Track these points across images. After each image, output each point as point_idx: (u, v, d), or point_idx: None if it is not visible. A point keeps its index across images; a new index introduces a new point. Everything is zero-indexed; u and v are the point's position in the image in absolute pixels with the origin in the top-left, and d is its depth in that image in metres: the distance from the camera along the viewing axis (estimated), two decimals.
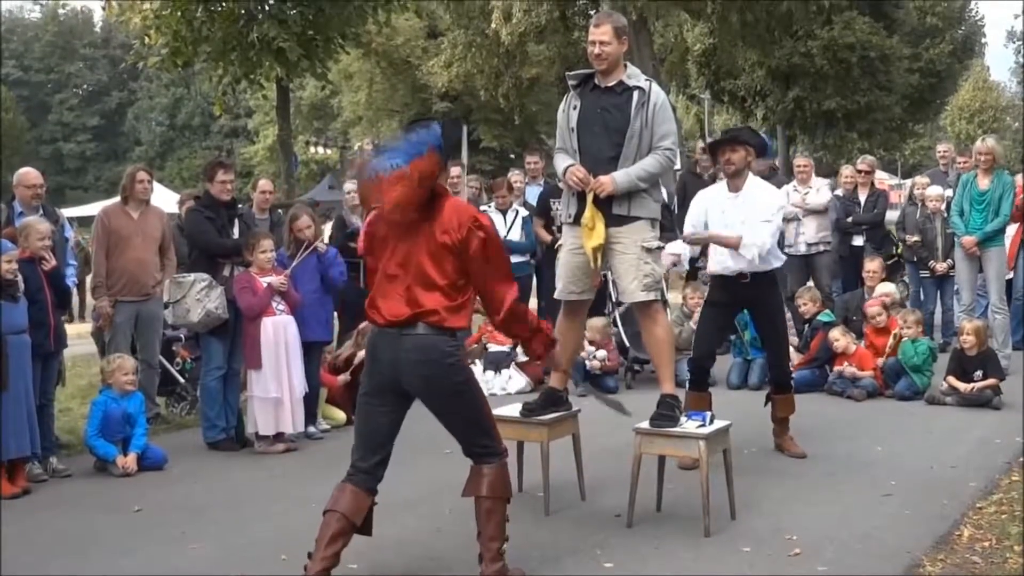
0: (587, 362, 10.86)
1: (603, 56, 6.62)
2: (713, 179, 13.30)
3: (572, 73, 6.97)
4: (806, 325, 11.29)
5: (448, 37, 35.03)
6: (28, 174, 9.21)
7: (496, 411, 7.02)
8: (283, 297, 8.78)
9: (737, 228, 7.65)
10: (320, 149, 50.99)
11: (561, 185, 7.19)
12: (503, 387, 11.03)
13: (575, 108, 6.76)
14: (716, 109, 53.18)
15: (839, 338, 10.67)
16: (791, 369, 8.43)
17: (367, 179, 5.15)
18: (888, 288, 11.94)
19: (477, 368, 11.19)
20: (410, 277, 5.14)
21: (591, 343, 10.68)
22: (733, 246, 7.60)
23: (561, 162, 6.76)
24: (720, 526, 6.23)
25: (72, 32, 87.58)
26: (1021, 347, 12.46)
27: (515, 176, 13.13)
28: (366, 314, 5.30)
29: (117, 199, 9.81)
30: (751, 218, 7.62)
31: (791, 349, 10.89)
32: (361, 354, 9.82)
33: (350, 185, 11.94)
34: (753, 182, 7.81)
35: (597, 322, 10.72)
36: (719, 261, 7.87)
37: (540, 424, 6.72)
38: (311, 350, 9.14)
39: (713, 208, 7.81)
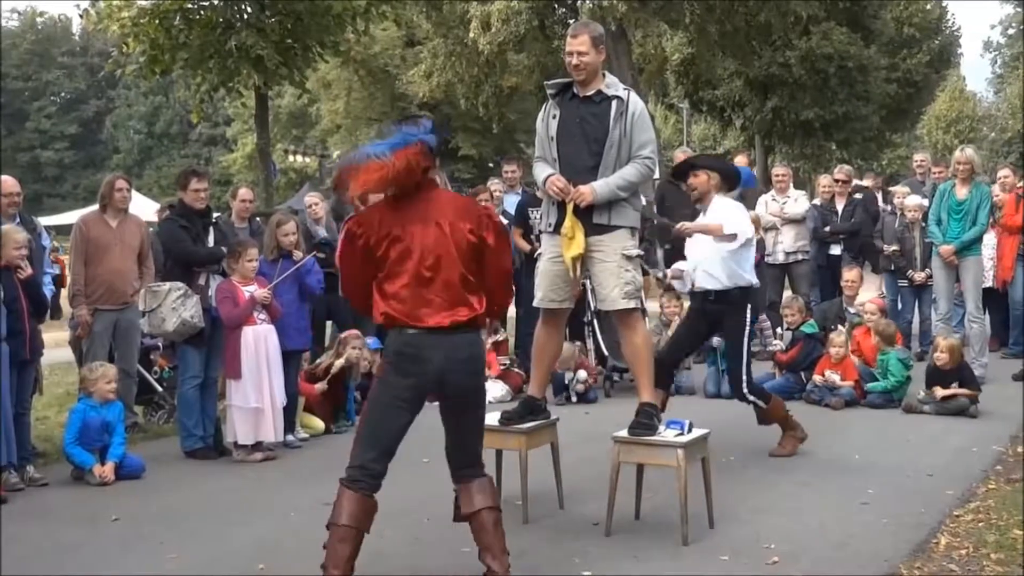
0: (574, 387, 10.86)
1: (581, 66, 6.63)
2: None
3: (551, 82, 6.98)
4: (790, 333, 11.35)
5: (427, 46, 35.01)
6: (5, 182, 9.12)
7: None
8: (265, 308, 8.76)
9: (702, 248, 8.02)
10: (299, 157, 50.96)
11: (540, 194, 7.20)
12: None
13: (554, 117, 6.76)
14: (695, 119, 53.36)
15: (840, 345, 10.69)
16: (747, 382, 8.38)
17: (345, 166, 5.15)
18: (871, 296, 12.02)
19: None
20: (444, 277, 5.10)
21: (568, 369, 10.74)
22: (715, 232, 7.79)
23: (541, 171, 6.77)
24: (698, 535, 6.24)
25: (50, 40, 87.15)
26: (1021, 355, 12.54)
27: (493, 185, 13.13)
28: (400, 318, 5.13)
29: (95, 207, 9.77)
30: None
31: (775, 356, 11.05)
32: (339, 363, 9.82)
33: (312, 197, 11.97)
34: (718, 203, 7.99)
35: (567, 351, 10.47)
36: (688, 279, 8.18)
37: (518, 432, 6.71)
38: (289, 359, 9.11)
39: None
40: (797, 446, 8.43)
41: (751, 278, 8.08)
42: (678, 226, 8.16)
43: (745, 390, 8.16)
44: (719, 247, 7.85)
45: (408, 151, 5.02)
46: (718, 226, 7.78)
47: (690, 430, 6.37)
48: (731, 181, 8.18)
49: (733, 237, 7.77)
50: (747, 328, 8.06)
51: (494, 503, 5.36)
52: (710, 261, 7.97)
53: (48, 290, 9.24)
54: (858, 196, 14.50)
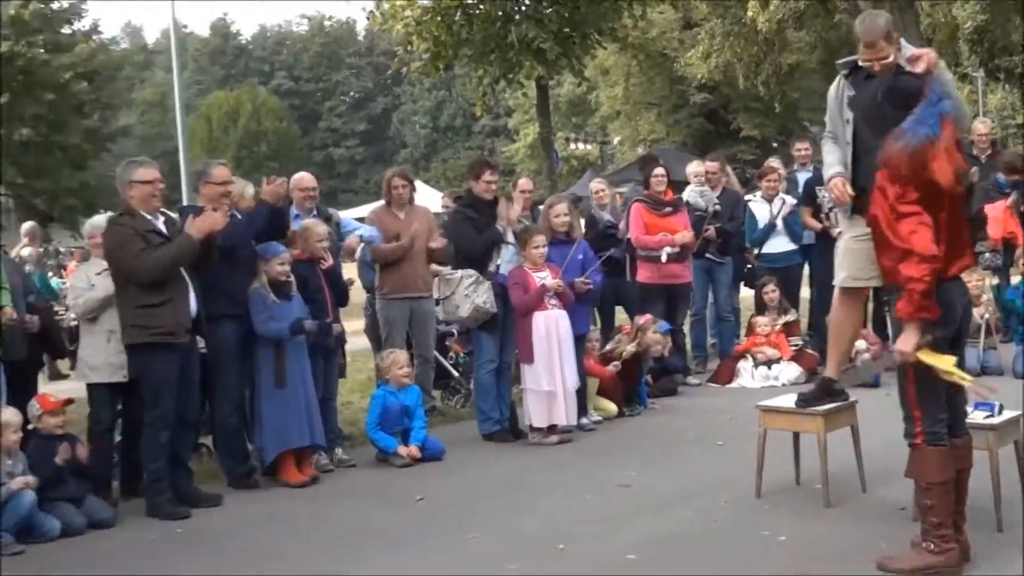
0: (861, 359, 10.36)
1: (885, 68, 6.18)
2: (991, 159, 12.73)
3: (842, 61, 6.57)
4: None
5: (704, 27, 34.69)
6: (303, 178, 9.52)
7: (770, 401, 6.95)
8: (557, 296, 8.87)
9: None
10: (580, 145, 51.26)
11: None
12: (776, 376, 10.82)
13: (849, 98, 6.41)
14: (990, 88, 50.84)
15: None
16: None
17: (907, 149, 5.16)
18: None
19: (748, 362, 11.02)
20: (952, 226, 5.30)
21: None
22: None
23: (829, 156, 6.44)
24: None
25: (337, 42, 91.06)
26: None
27: (774, 163, 12.94)
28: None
29: (383, 202, 10.13)
30: None
31: None
32: (630, 348, 9.81)
33: (598, 183, 11.96)
34: None
35: None
36: None
37: (816, 415, 6.54)
38: (576, 343, 9.13)
39: None
40: None
41: None
42: None
43: None
44: None
45: (947, 121, 5.17)
46: None
47: (1000, 412, 6.10)
48: None
49: None
50: None
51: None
52: None
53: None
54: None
